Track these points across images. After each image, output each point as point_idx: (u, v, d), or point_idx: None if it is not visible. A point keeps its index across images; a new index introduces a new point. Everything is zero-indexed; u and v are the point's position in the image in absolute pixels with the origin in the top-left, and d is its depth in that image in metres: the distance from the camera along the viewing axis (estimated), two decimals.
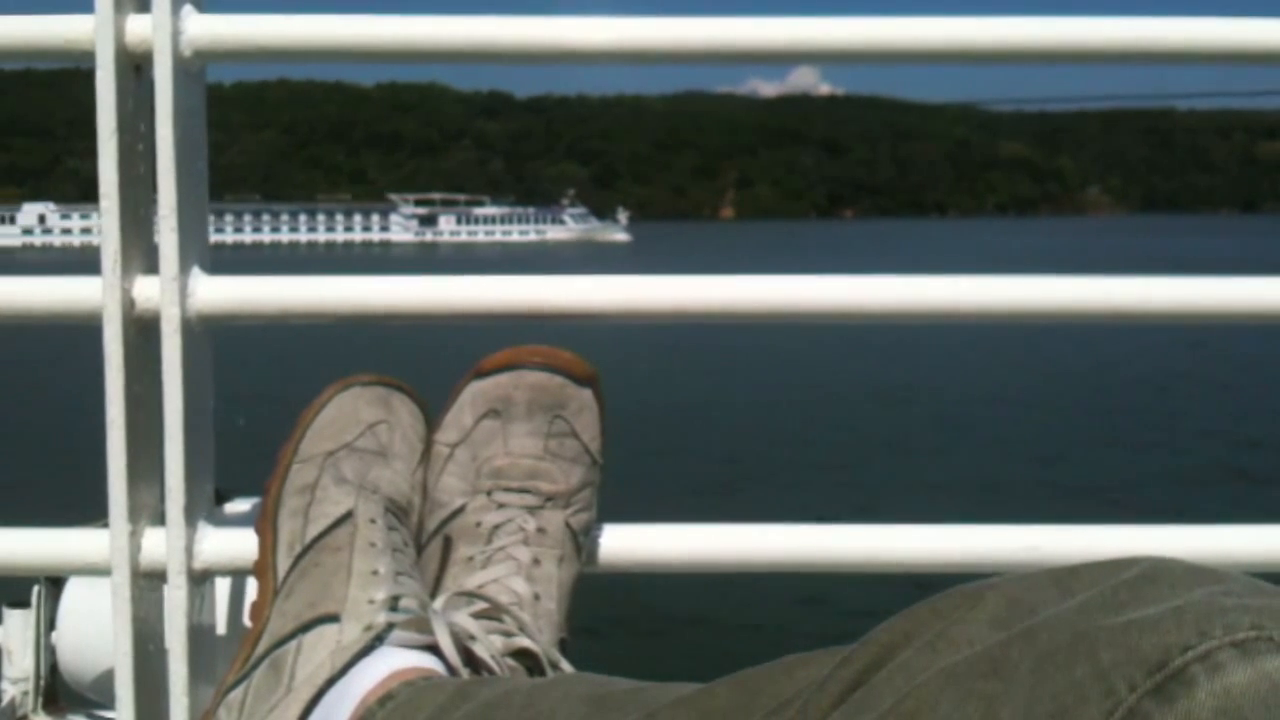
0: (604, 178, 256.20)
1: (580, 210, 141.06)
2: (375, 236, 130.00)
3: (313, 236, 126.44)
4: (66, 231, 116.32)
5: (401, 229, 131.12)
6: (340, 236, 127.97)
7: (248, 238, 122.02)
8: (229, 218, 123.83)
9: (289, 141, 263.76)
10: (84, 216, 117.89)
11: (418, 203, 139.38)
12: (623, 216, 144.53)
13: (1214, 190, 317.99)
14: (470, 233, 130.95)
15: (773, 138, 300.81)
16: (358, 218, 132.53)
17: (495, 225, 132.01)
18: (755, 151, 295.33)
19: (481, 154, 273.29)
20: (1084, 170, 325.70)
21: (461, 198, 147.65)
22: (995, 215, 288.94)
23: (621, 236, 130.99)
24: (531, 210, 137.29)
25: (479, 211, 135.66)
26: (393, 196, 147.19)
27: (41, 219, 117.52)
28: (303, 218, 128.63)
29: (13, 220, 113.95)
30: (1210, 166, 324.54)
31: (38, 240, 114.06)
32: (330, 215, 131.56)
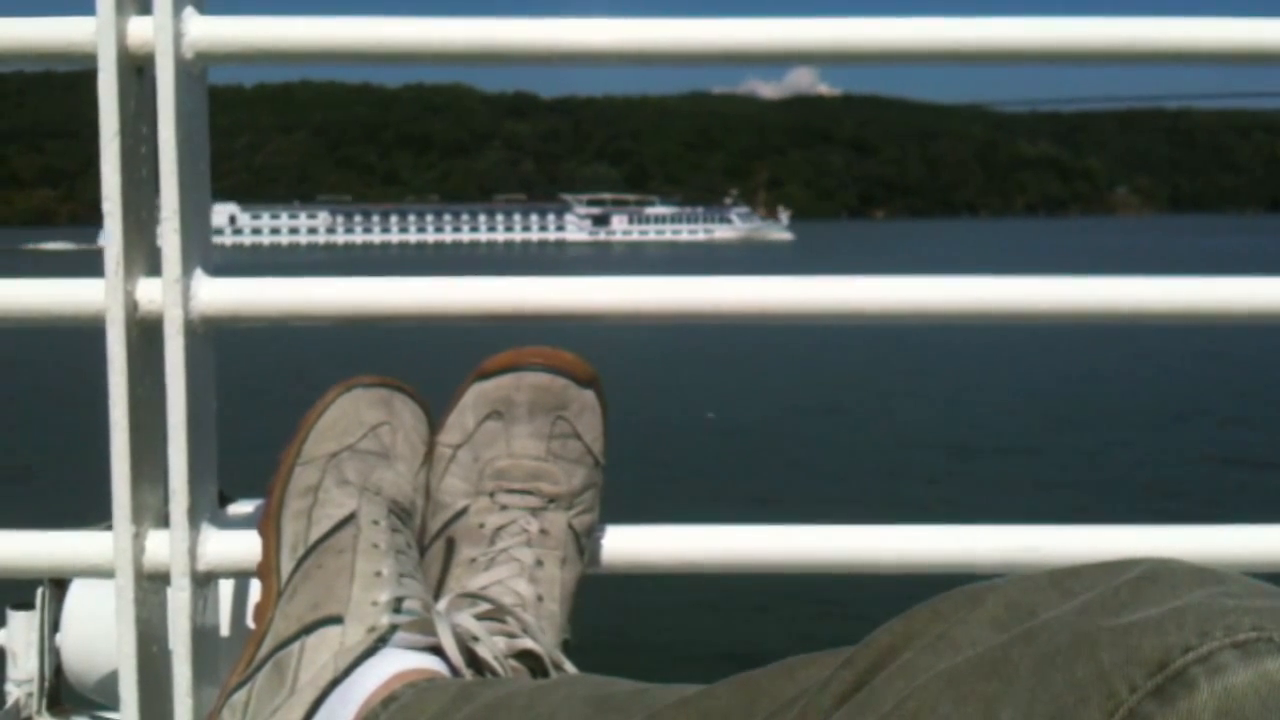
0: (636, 178, 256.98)
1: (745, 210, 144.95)
2: (551, 236, 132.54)
3: (491, 236, 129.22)
4: (256, 231, 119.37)
5: (576, 228, 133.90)
6: (518, 236, 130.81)
7: (430, 237, 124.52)
8: (412, 217, 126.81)
9: (321, 143, 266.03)
10: (274, 216, 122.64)
11: (590, 203, 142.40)
12: (784, 216, 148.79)
13: (1239, 190, 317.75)
14: (641, 232, 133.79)
15: (801, 138, 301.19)
16: (534, 217, 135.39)
17: (665, 225, 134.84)
18: (785, 151, 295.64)
19: (512, 155, 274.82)
20: (1109, 170, 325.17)
21: (631, 198, 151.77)
22: (1026, 215, 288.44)
23: (784, 235, 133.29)
24: (700, 210, 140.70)
25: (649, 211, 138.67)
26: (566, 197, 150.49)
27: (232, 219, 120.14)
28: (482, 217, 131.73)
29: None
30: (1234, 166, 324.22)
31: (228, 240, 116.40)
32: (508, 215, 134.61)
